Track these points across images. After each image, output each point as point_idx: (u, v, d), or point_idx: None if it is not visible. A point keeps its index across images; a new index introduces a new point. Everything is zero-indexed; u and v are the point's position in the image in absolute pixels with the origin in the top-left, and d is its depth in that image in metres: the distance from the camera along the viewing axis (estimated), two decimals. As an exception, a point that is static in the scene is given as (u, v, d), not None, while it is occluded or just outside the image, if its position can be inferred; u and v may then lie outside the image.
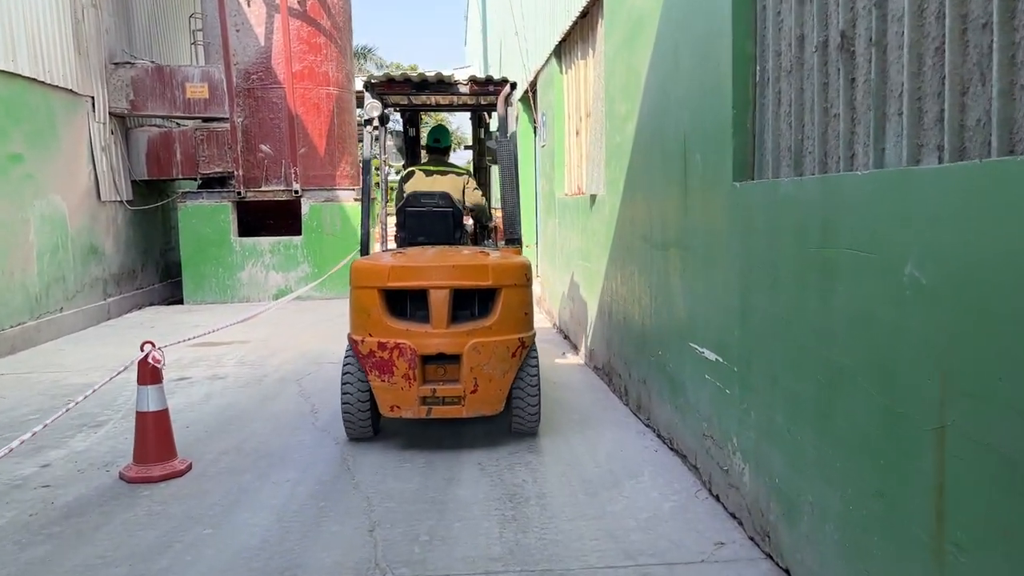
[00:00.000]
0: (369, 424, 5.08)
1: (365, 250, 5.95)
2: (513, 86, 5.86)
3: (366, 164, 6.04)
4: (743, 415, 3.61)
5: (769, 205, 3.25)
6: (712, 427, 4.05)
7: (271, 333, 9.83)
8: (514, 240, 5.76)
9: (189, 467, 4.70)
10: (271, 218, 13.53)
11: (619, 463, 4.72)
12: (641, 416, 5.57)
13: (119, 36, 12.84)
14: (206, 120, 12.90)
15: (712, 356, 4.01)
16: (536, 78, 10.90)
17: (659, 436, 5.13)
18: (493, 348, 4.78)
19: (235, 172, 12.63)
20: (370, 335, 4.81)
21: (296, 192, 12.72)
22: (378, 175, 6.81)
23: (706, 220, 4.08)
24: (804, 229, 2.94)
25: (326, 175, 13.32)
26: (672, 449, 4.85)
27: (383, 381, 4.79)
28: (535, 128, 13.13)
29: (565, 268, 8.79)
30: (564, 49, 8.97)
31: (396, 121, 7.19)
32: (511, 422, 5.15)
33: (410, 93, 6.03)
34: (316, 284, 11.62)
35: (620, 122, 5.95)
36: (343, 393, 5.01)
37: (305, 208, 12.80)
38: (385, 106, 6.10)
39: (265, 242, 12.86)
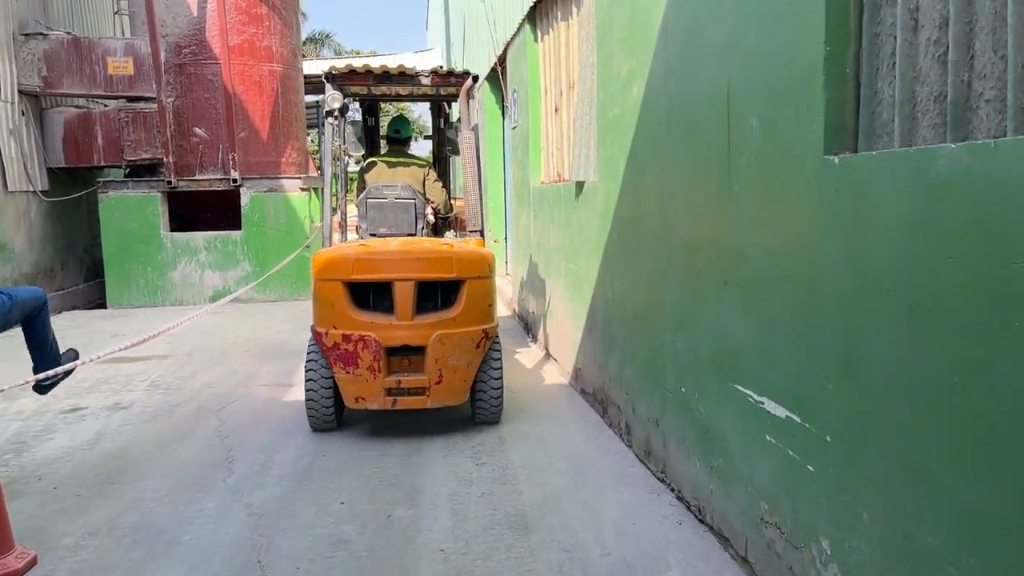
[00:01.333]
0: (333, 416, 5.07)
1: (328, 242, 5.86)
2: (475, 79, 5.88)
3: (326, 156, 6.00)
4: (844, 511, 2.37)
5: (914, 190, 2.00)
6: (779, 513, 2.80)
7: (199, 345, 8.41)
8: (477, 231, 5.76)
9: (30, 564, 3.32)
10: (208, 211, 12.06)
11: (634, 546, 3.45)
12: (651, 465, 4.31)
13: (31, 3, 11.25)
14: (131, 100, 11.37)
15: (780, 411, 2.76)
16: (506, 51, 9.58)
17: (681, 498, 3.88)
18: (457, 339, 4.84)
19: (165, 159, 11.14)
20: (334, 327, 4.82)
21: (235, 181, 11.26)
22: (336, 164, 6.73)
23: (769, 212, 2.82)
24: (1002, 231, 1.70)
25: (269, 162, 11.88)
26: (702, 522, 3.60)
27: (348, 373, 4.81)
28: (504, 108, 11.84)
29: (543, 268, 7.51)
30: (540, 12, 7.67)
31: (355, 110, 7.05)
32: (474, 412, 5.21)
33: (371, 84, 5.96)
34: (256, 284, 10.21)
35: (620, 88, 4.68)
36: (307, 386, 4.99)
37: (245, 199, 11.36)
38: (345, 96, 5.97)
39: (200, 238, 11.38)
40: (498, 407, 5.16)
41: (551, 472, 4.37)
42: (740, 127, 3.03)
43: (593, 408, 5.65)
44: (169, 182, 11.13)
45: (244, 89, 11.59)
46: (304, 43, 40.70)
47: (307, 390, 5.01)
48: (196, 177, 11.36)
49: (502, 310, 10.10)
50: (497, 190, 12.58)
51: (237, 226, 11.43)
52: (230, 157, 11.22)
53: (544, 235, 7.40)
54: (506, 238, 12.56)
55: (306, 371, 5.00)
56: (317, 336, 4.95)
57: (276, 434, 5.20)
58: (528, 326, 8.62)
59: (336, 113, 5.80)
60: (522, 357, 7.52)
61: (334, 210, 6.65)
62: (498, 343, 5.18)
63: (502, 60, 10.08)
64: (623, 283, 4.76)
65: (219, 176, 11.37)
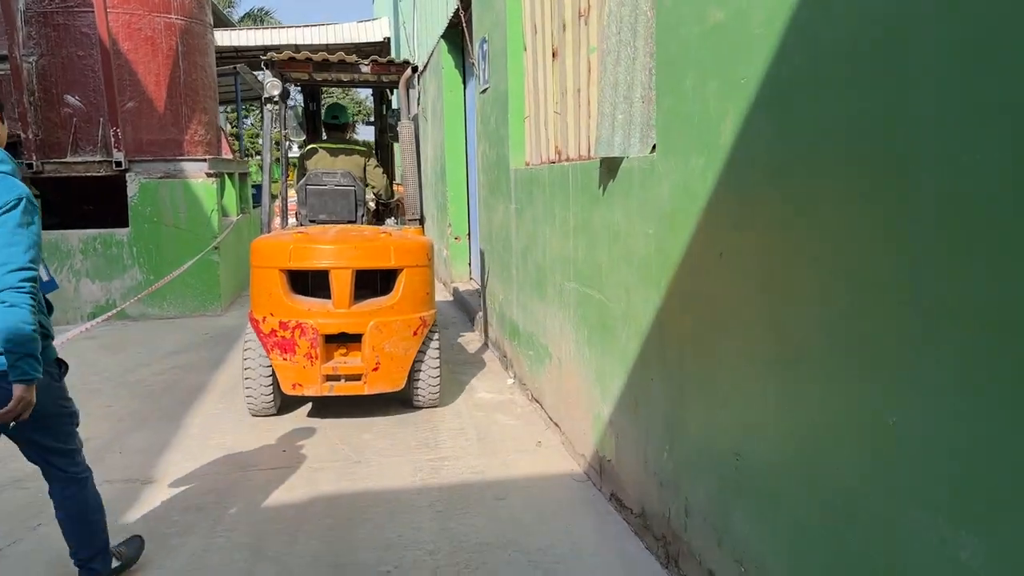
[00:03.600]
0: (272, 402, 5.08)
1: (267, 228, 5.85)
2: (414, 69, 5.91)
3: (266, 142, 5.93)
4: None
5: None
6: None
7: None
8: (416, 220, 5.78)
9: None
10: (92, 202, 9.49)
11: None
12: None
13: None
14: (-20, 58, 8.74)
15: None
16: (470, -7, 7.26)
17: None
18: (395, 327, 4.92)
19: (23, 135, 8.54)
20: (271, 314, 4.87)
21: (118, 164, 8.70)
22: (277, 150, 6.61)
23: None
24: None
25: (168, 141, 9.34)
26: None
27: (285, 360, 4.84)
28: (467, 71, 9.47)
29: (534, 286, 5.23)
30: (525, -82, 5.36)
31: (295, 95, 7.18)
32: (412, 397, 5.25)
33: (312, 72, 5.90)
34: (144, 296, 7.77)
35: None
36: (245, 373, 5.02)
37: (133, 187, 8.81)
38: (285, 81, 5.94)
39: (74, 237, 8.80)
40: (436, 393, 5.27)
41: None
42: None
43: (640, 537, 3.39)
44: (30, 165, 8.53)
45: (132, 47, 9.02)
46: (241, 20, 37.65)
47: (245, 377, 5.05)
48: (68, 159, 8.77)
49: (472, 338, 7.77)
50: (458, 175, 10.22)
51: (124, 222, 8.89)
52: (113, 133, 8.65)
53: (535, 239, 5.11)
54: (469, 235, 10.22)
55: (243, 359, 5.04)
56: (254, 323, 4.96)
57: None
58: (507, 359, 6.33)
59: (276, 99, 5.75)
60: (504, 413, 5.24)
61: (274, 196, 6.46)
62: (436, 330, 5.25)
63: (466, 5, 7.73)
64: (736, 357, 2.50)
65: (99, 158, 8.80)
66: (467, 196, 10.23)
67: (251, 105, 23.73)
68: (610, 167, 3.55)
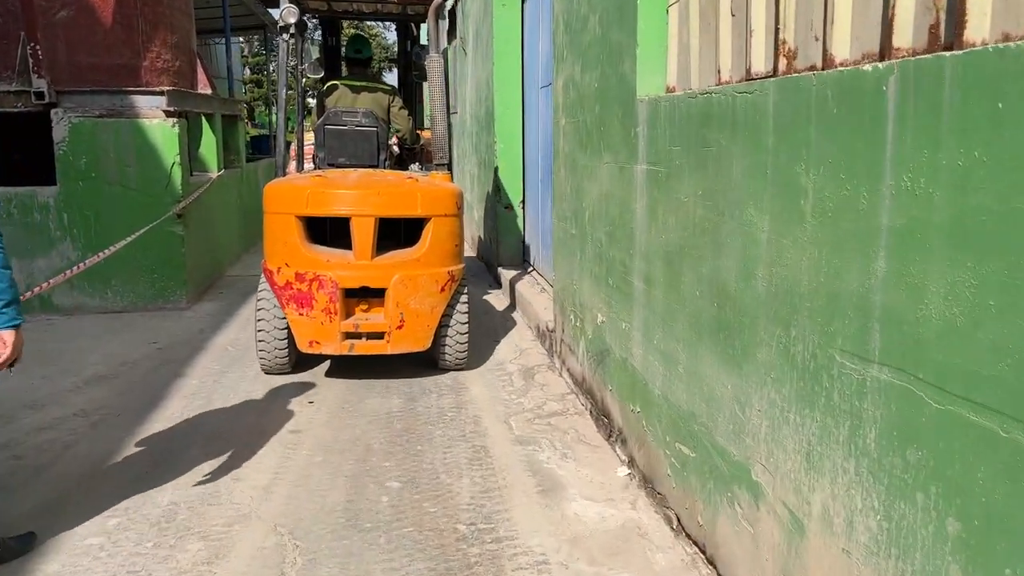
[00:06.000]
0: (287, 359, 4.75)
1: (281, 171, 5.51)
2: None
3: (281, 77, 5.59)
4: None
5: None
6: None
7: None
8: (444, 165, 5.35)
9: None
10: (20, 150, 7.02)
11: None
12: None
13: None
14: None
15: None
16: None
17: None
18: (421, 282, 4.61)
19: (-92, 52, 6.08)
20: (286, 265, 4.56)
21: (40, 96, 6.19)
22: (292, 87, 6.34)
23: None
24: None
25: (117, 66, 6.79)
26: None
27: (301, 315, 4.54)
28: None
29: (706, 335, 2.66)
30: None
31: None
32: (438, 358, 4.91)
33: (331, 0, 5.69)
34: (71, 278, 5.45)
35: None
36: (257, 326, 4.71)
37: (61, 129, 6.30)
38: (303, 12, 5.62)
39: (-17, 198, 6.37)
40: (464, 354, 4.89)
41: None
42: None
43: None
44: (-82, 96, 6.06)
45: (65, -70, 6.46)
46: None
47: (258, 331, 4.71)
48: (-28, 88, 6.28)
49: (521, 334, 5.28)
50: (511, 122, 7.60)
51: (50, 179, 6.41)
52: (31, 51, 6.13)
53: (716, 236, 2.53)
54: (524, 203, 7.65)
55: (256, 310, 4.73)
56: (268, 274, 4.67)
57: None
58: (611, 422, 3.81)
59: (292, 29, 5.40)
60: (631, 568, 2.75)
61: (290, 133, 5.99)
62: (465, 285, 4.88)
63: None
64: None
65: (14, 87, 6.29)
66: (522, 150, 7.63)
67: (248, 36, 20.88)
68: None
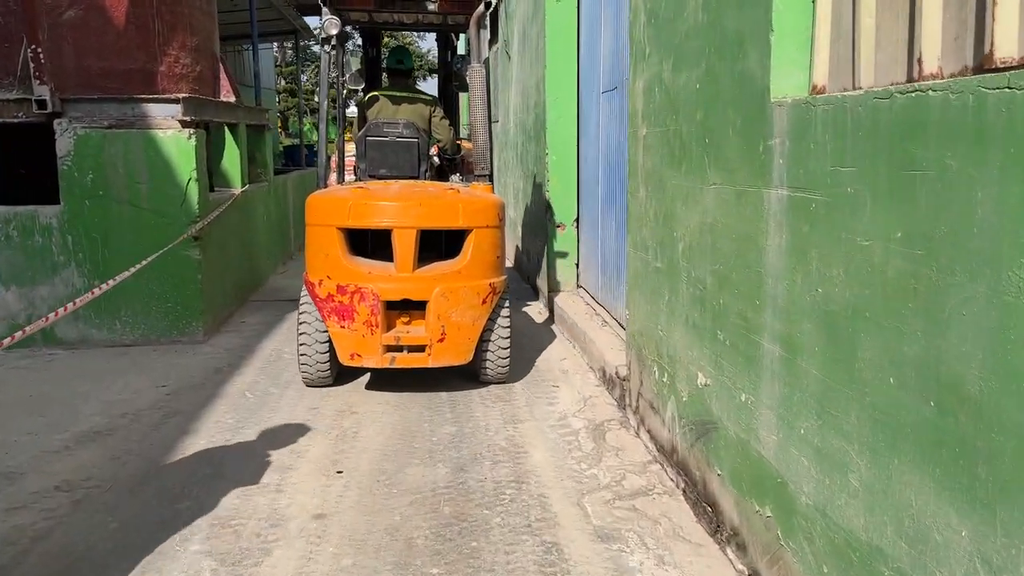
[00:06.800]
0: (328, 372, 4.70)
1: (323, 183, 5.52)
2: (487, 6, 5.42)
3: (323, 89, 5.62)
4: None
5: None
6: None
7: None
8: (485, 176, 5.31)
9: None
10: (21, 164, 6.39)
11: None
12: None
13: None
14: None
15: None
16: None
17: None
18: (463, 294, 4.55)
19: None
20: (328, 277, 4.54)
21: (43, 104, 5.52)
22: (334, 99, 6.32)
23: None
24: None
25: (131, 72, 6.13)
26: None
27: (342, 327, 4.50)
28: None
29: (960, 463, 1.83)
30: None
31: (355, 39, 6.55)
32: (479, 371, 4.85)
33: (373, 9, 5.64)
34: (77, 309, 4.82)
35: None
36: (300, 339, 4.66)
37: (66, 141, 5.63)
38: (344, 23, 5.68)
39: (-19, 218, 5.72)
40: (505, 367, 4.82)
41: None
42: None
43: None
44: (-91, 105, 5.43)
45: (74, -78, 5.81)
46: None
47: (299, 344, 4.66)
48: (-30, 96, 5.64)
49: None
50: (565, 129, 6.81)
51: (52, 196, 5.74)
52: (32, 55, 5.47)
53: (933, 324, 1.72)
54: (577, 221, 6.87)
55: (298, 324, 4.68)
56: (310, 286, 4.63)
57: None
58: (721, 518, 2.99)
59: (333, 40, 5.45)
60: None
61: (331, 144, 5.97)
62: (507, 298, 4.83)
63: None
64: None
65: (15, 95, 5.64)
66: (576, 162, 6.83)
67: (282, 44, 20.21)
68: None
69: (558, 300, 6.60)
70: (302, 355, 4.67)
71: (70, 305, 4.09)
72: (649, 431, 3.90)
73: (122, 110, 5.68)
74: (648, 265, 3.86)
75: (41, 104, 5.49)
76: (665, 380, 3.62)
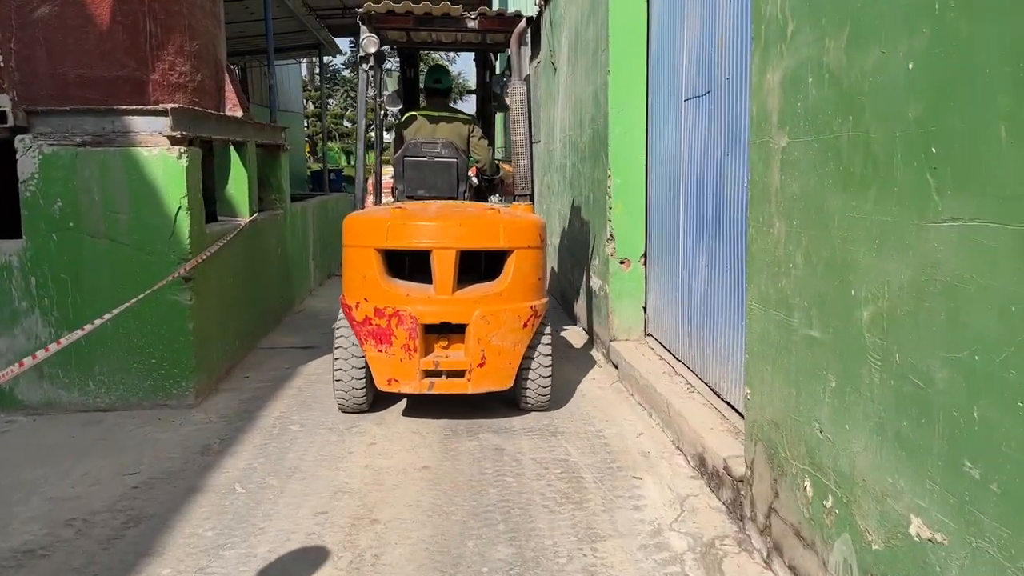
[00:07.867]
0: (364, 398, 4.60)
1: (360, 204, 5.40)
2: (529, 21, 5.23)
3: (361, 108, 5.54)
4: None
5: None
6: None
7: None
8: (526, 196, 5.19)
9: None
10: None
11: None
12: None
13: None
14: None
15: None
16: None
17: None
18: (503, 317, 4.43)
19: None
20: (365, 300, 4.44)
21: (2, 117, 4.53)
22: (371, 119, 6.12)
23: None
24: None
25: (113, 80, 5.13)
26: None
27: (380, 351, 4.40)
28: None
29: None
30: None
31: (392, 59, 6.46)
32: (520, 399, 4.70)
33: (411, 28, 5.43)
34: (39, 362, 3.77)
35: None
36: (335, 364, 4.56)
37: (29, 163, 4.63)
38: (383, 43, 5.51)
39: (-71, 255, 4.71)
40: (547, 395, 4.66)
41: None
42: None
43: None
44: None
45: (49, -97, 4.85)
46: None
47: (335, 369, 4.55)
48: (-80, 109, 4.65)
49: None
50: (632, 148, 5.70)
51: (14, 231, 4.73)
52: (-9, 58, 4.49)
53: None
54: (645, 258, 5.74)
55: (334, 347, 4.56)
56: (346, 309, 4.53)
57: None
58: None
59: (371, 60, 5.36)
60: None
61: (368, 169, 5.82)
62: (547, 321, 4.69)
63: None
64: None
65: (-28, 106, 4.65)
66: (645, 185, 5.71)
67: (300, 58, 19.18)
68: None
69: (622, 351, 5.45)
70: (337, 380, 4.56)
71: (27, 360, 3.07)
72: (793, 569, 2.72)
73: (100, 124, 4.67)
74: (793, 331, 2.71)
75: (1, 117, 4.50)
76: (828, 505, 2.46)
